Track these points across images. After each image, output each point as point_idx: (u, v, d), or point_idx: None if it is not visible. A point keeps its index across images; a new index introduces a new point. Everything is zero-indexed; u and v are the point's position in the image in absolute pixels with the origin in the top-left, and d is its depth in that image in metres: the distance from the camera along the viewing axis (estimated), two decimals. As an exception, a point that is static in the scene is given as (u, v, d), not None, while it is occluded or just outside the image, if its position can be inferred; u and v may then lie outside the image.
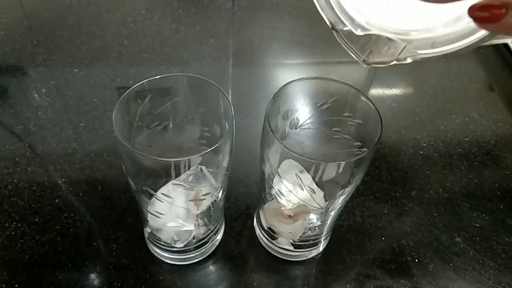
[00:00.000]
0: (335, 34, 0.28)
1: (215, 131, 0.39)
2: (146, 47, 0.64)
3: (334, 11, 0.27)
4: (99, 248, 0.44)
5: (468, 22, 0.22)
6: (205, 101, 0.37)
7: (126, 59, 0.63)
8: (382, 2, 0.26)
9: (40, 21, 0.69)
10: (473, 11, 0.22)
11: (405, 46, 0.26)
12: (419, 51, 0.26)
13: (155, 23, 0.68)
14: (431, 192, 0.50)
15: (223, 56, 0.65)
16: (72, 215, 0.46)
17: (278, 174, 0.35)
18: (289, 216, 0.39)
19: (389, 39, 0.26)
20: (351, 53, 0.28)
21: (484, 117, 0.60)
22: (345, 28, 0.27)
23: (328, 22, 0.28)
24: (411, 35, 0.26)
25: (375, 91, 0.62)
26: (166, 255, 0.43)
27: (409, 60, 0.27)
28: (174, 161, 0.31)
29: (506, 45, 0.68)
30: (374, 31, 0.26)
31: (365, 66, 0.28)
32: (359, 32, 0.27)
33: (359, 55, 0.28)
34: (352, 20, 0.27)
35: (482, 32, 0.23)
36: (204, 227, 0.40)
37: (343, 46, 0.28)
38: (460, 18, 0.24)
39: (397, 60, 0.27)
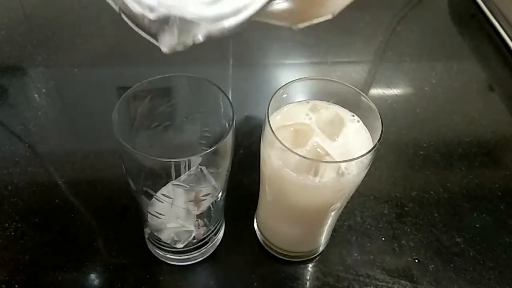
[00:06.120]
0: (125, 18, 0.28)
1: (215, 131, 0.38)
2: (146, 47, 0.64)
3: None
4: (99, 248, 0.44)
5: None
6: (205, 101, 0.37)
7: (126, 59, 0.63)
8: None
9: (40, 21, 0.68)
10: None
11: (198, 25, 0.27)
12: (212, 26, 0.26)
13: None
14: (432, 192, 0.50)
15: (223, 56, 0.65)
16: (72, 215, 0.46)
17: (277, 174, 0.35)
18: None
19: (183, 19, 0.27)
20: (148, 37, 0.29)
21: (484, 117, 0.60)
22: (136, 11, 0.27)
23: (116, 7, 0.28)
24: (202, 12, 0.26)
25: (375, 91, 0.62)
26: (166, 255, 0.43)
27: (200, 39, 0.27)
28: (174, 161, 0.31)
29: (506, 45, 0.68)
30: (165, 11, 0.26)
31: (165, 49, 0.29)
32: (152, 14, 0.27)
33: (156, 39, 0.28)
34: (141, 3, 0.27)
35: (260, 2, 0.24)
36: (204, 227, 0.40)
37: (138, 30, 0.28)
38: None
39: (194, 39, 0.27)
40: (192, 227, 0.39)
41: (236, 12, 0.26)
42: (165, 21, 0.27)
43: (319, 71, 0.66)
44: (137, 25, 0.28)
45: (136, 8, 0.27)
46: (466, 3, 0.77)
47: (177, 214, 0.37)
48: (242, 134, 0.53)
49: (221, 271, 0.44)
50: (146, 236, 0.43)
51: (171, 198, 0.35)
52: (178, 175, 0.33)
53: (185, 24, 0.27)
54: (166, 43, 0.28)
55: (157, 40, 0.28)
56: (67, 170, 0.50)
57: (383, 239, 0.46)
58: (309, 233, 0.42)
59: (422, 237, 0.46)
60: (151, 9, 0.27)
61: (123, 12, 0.27)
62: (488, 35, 0.71)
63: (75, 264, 0.42)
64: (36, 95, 0.57)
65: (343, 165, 0.33)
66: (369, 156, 0.33)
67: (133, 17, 0.28)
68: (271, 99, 0.35)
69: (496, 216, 0.49)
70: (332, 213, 0.39)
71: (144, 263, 0.43)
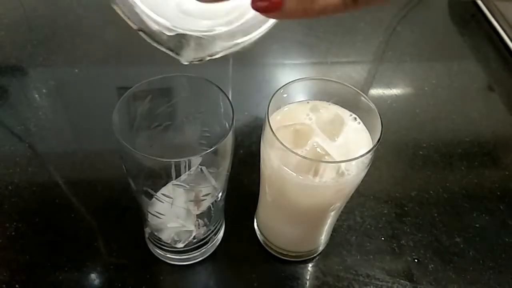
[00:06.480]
0: (143, 35, 0.29)
1: (215, 132, 0.39)
2: (146, 47, 0.64)
3: (140, 16, 0.28)
4: (99, 248, 0.44)
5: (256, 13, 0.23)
6: (205, 102, 0.37)
7: (126, 59, 0.63)
8: (179, 7, 0.28)
9: (40, 21, 0.68)
10: (254, 3, 0.23)
11: (213, 42, 0.28)
12: (226, 44, 0.28)
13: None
14: (431, 192, 0.50)
15: (223, 56, 0.65)
16: (72, 215, 0.46)
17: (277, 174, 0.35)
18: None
19: (198, 36, 0.28)
20: (167, 51, 0.30)
21: (484, 117, 0.60)
22: (154, 29, 0.28)
23: (134, 26, 0.29)
24: (215, 30, 0.27)
25: (375, 91, 0.62)
26: (167, 255, 0.43)
27: (220, 54, 0.29)
28: (175, 161, 0.31)
29: (506, 45, 0.68)
30: (181, 31, 0.28)
31: (185, 63, 0.30)
32: (169, 33, 0.28)
33: (176, 53, 0.29)
34: (159, 23, 0.28)
35: (272, 20, 0.25)
36: (204, 227, 0.40)
37: (156, 46, 0.29)
38: (246, 11, 0.26)
39: (210, 55, 0.29)
40: (192, 227, 0.39)
41: (249, 31, 0.28)
42: (182, 36, 0.28)
43: (319, 71, 0.66)
44: (155, 41, 0.29)
45: (154, 26, 0.28)
46: (465, 3, 0.77)
47: (177, 214, 0.37)
48: (242, 134, 0.53)
49: (221, 271, 0.44)
50: (146, 235, 0.43)
51: (171, 198, 0.35)
52: (178, 175, 0.33)
53: (201, 40, 0.28)
54: (184, 57, 0.29)
55: (175, 54, 0.29)
56: (67, 170, 0.50)
57: (383, 239, 0.46)
58: (309, 233, 0.42)
59: (422, 237, 0.46)
60: (168, 29, 0.28)
61: (141, 30, 0.28)
62: (488, 35, 0.71)
63: (76, 264, 0.42)
64: (37, 95, 0.57)
65: (343, 165, 0.33)
66: (369, 156, 0.33)
67: (151, 33, 0.28)
68: (271, 99, 0.35)
69: (495, 216, 0.49)
70: (332, 213, 0.39)
71: (144, 263, 0.43)
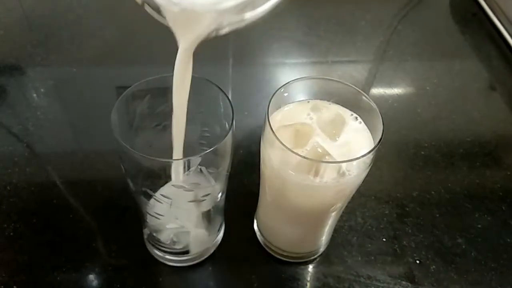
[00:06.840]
0: (148, 9, 0.29)
1: (215, 132, 0.38)
2: (145, 47, 0.64)
3: None
4: (98, 248, 0.43)
5: None
6: (205, 101, 0.37)
7: (126, 59, 0.63)
8: None
9: (40, 21, 0.68)
10: None
11: (219, 16, 0.27)
12: (233, 19, 0.27)
13: (155, 22, 0.67)
14: (433, 192, 0.50)
15: (223, 56, 0.65)
16: (71, 215, 0.46)
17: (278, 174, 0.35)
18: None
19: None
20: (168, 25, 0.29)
21: (485, 117, 0.59)
22: (160, 2, 0.28)
23: (139, 0, 0.29)
24: (223, 4, 0.26)
25: (376, 91, 0.62)
26: (166, 256, 0.42)
27: (226, 30, 0.28)
28: (174, 161, 0.31)
29: (507, 44, 0.68)
30: (187, 5, 0.27)
31: (190, 40, 0.30)
32: (175, 9, 0.27)
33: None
34: None
35: None
36: (204, 228, 0.40)
37: (162, 21, 0.29)
38: None
39: (216, 31, 0.28)
40: (191, 228, 0.39)
41: (257, 5, 0.27)
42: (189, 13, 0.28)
43: (319, 71, 0.66)
44: (161, 15, 0.29)
45: (160, 0, 0.28)
46: (467, 2, 0.77)
47: (176, 215, 0.37)
48: (242, 134, 0.53)
49: (221, 272, 0.44)
50: (145, 237, 0.43)
51: (170, 198, 0.35)
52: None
53: (208, 16, 0.28)
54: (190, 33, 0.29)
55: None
56: (66, 170, 0.49)
57: (384, 239, 0.46)
58: (309, 234, 0.42)
59: (423, 238, 0.46)
60: (175, 4, 0.27)
61: (146, 3, 0.28)
62: (489, 34, 0.71)
63: (74, 265, 0.42)
64: (35, 95, 0.57)
65: (344, 165, 0.33)
66: (370, 156, 0.33)
67: (156, 7, 0.28)
68: (271, 99, 0.35)
69: (497, 216, 0.48)
70: (333, 214, 0.39)
71: (144, 263, 0.43)
